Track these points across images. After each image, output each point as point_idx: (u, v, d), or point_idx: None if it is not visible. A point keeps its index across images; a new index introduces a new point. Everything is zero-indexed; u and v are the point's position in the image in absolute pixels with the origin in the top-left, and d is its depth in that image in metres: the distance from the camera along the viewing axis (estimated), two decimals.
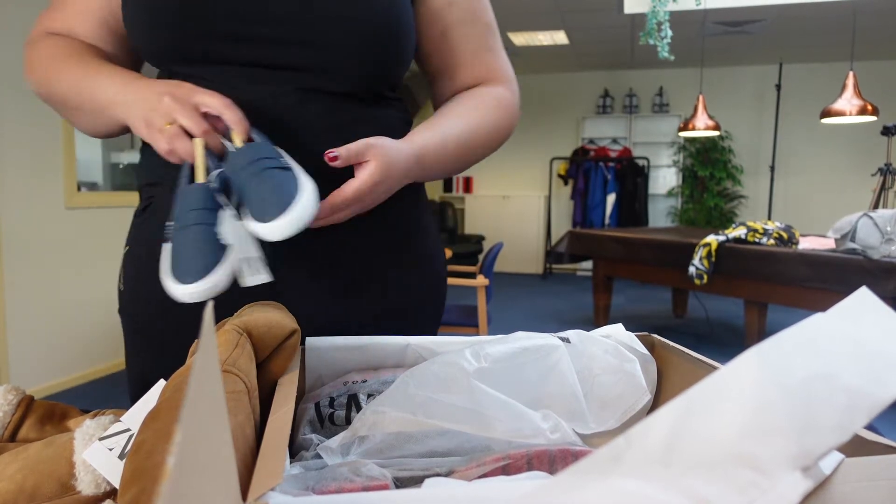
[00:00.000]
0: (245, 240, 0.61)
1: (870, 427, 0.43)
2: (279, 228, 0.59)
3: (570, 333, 0.66)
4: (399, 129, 0.80)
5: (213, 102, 0.64)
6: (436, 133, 0.77)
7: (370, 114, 0.77)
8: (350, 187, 0.66)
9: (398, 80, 0.82)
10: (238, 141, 0.64)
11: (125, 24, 0.75)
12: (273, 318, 0.58)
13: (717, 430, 0.30)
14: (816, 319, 0.34)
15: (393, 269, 0.81)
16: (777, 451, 0.30)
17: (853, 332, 0.33)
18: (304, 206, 0.59)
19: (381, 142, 0.68)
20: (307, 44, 0.71)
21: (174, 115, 0.64)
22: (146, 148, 0.77)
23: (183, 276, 0.59)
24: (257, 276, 0.61)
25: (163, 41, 0.72)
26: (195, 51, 0.72)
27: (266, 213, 0.59)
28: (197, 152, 0.63)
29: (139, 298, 0.78)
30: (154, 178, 0.77)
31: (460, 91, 0.86)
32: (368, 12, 0.72)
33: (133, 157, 8.53)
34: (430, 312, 0.87)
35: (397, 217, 0.80)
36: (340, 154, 0.65)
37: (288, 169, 0.63)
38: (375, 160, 0.67)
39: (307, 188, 0.62)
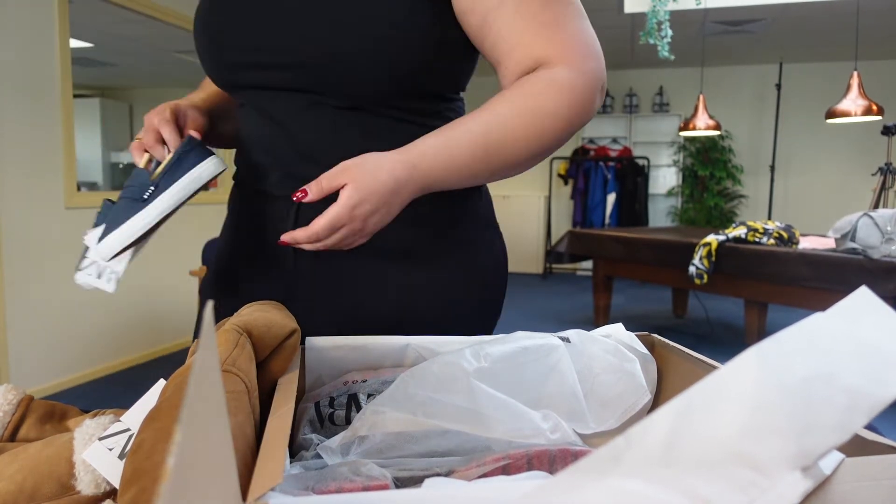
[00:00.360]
0: (116, 254, 0.73)
1: (870, 427, 0.43)
2: (97, 252, 0.72)
3: (570, 333, 0.66)
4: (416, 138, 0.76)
5: (154, 120, 0.79)
6: (442, 136, 0.71)
7: (380, 125, 0.77)
8: (326, 215, 0.66)
9: (426, 90, 0.79)
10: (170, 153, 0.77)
11: None
12: (273, 317, 0.58)
13: (716, 429, 0.30)
14: (816, 319, 0.34)
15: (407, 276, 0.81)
16: (777, 451, 0.30)
17: (853, 332, 0.33)
18: (105, 243, 0.72)
19: (360, 161, 0.68)
20: (306, 66, 0.74)
21: (142, 132, 0.80)
22: None
23: (77, 265, 0.75)
24: (103, 284, 0.72)
25: (205, 73, 0.85)
26: (221, 79, 0.82)
27: (101, 237, 0.73)
28: (141, 162, 0.78)
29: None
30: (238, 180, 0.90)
31: (517, 77, 0.75)
32: (359, 35, 0.71)
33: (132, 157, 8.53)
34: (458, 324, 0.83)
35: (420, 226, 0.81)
36: (311, 189, 0.68)
37: (135, 201, 0.73)
38: (351, 182, 0.66)
39: (124, 226, 0.72)
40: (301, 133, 0.78)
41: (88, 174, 8.21)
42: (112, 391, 3.53)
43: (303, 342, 0.65)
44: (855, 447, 0.41)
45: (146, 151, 0.78)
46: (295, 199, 0.69)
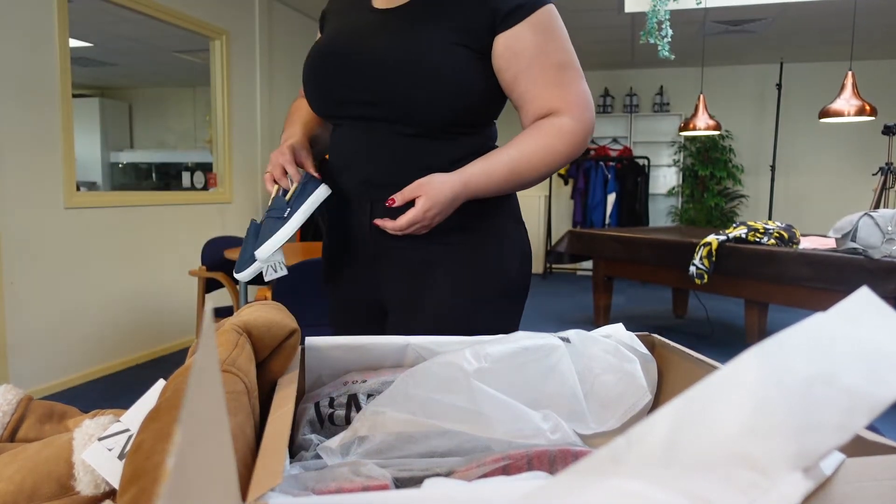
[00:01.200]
0: (272, 254, 1.06)
1: (870, 427, 0.43)
2: (259, 255, 1.06)
3: (570, 333, 0.66)
4: (464, 158, 1.06)
5: (280, 159, 1.09)
6: (484, 163, 1.03)
7: (438, 147, 1.06)
8: (406, 217, 0.99)
9: (471, 121, 1.07)
10: (294, 183, 1.08)
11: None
12: (273, 317, 0.58)
13: (717, 430, 0.30)
14: (817, 319, 0.34)
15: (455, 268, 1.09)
16: (777, 452, 0.30)
17: (854, 332, 0.33)
18: (263, 248, 1.06)
19: (430, 179, 1.00)
20: (383, 104, 1.04)
21: (269, 167, 1.11)
22: None
23: (236, 268, 1.09)
24: (275, 275, 1.06)
25: (312, 106, 1.15)
26: (326, 112, 1.13)
27: (257, 246, 1.07)
28: (272, 192, 1.10)
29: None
30: None
31: (535, 120, 1.07)
32: (420, 83, 1.01)
33: (132, 157, 8.55)
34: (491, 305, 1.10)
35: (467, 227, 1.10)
36: (397, 197, 1.00)
37: (279, 219, 1.07)
38: (424, 195, 0.98)
39: (275, 235, 1.06)
40: (382, 153, 1.07)
41: (88, 174, 8.21)
42: (112, 391, 3.53)
43: (303, 342, 0.65)
44: (855, 447, 0.41)
45: (276, 182, 1.10)
46: (387, 204, 1.01)
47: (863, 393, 0.31)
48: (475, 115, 1.07)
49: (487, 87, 1.06)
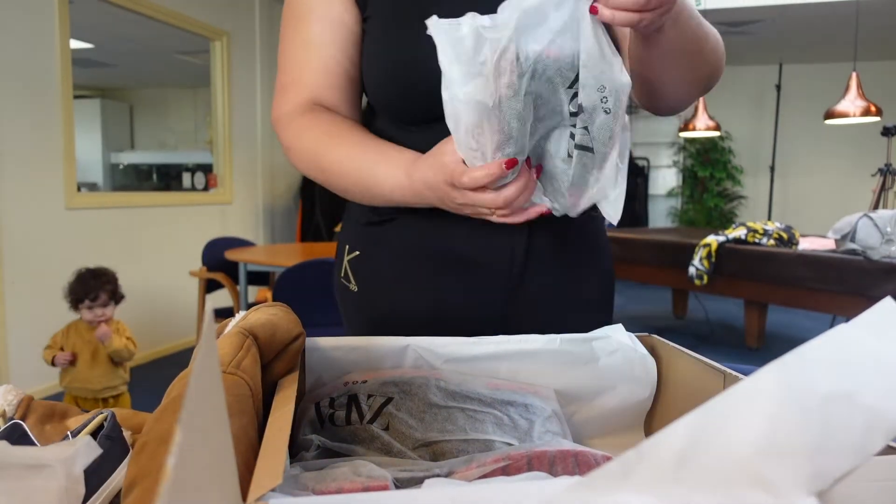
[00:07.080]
0: None
1: None
2: None
3: (570, 336, 0.66)
4: None
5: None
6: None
7: None
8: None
9: None
10: None
11: (371, 91, 0.85)
12: (278, 321, 0.58)
13: (731, 448, 0.29)
14: (840, 331, 0.32)
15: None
16: (792, 473, 0.29)
17: (878, 346, 0.32)
18: None
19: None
20: None
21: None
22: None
23: None
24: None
25: (409, 105, 0.81)
26: (427, 112, 0.79)
27: None
28: None
29: (377, 299, 0.89)
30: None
31: None
32: None
33: (132, 157, 8.53)
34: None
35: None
36: None
37: None
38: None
39: None
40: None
41: (88, 175, 8.20)
42: None
43: None
44: None
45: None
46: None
47: (882, 411, 0.30)
48: None
49: None
